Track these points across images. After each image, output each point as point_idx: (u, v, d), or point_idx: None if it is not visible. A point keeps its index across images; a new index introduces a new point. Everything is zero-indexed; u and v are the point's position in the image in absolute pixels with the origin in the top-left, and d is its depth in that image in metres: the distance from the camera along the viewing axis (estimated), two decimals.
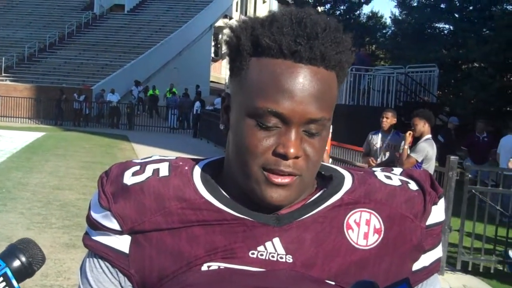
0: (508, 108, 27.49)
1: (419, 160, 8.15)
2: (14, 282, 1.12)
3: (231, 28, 1.18)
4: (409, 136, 8.43)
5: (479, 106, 25.39)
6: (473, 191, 8.39)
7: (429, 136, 8.38)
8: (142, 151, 20.06)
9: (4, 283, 1.11)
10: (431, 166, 8.20)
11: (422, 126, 8.32)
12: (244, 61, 1.14)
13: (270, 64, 1.11)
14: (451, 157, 8.11)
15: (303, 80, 1.09)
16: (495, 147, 14.90)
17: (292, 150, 1.09)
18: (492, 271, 8.27)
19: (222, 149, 21.49)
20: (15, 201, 10.76)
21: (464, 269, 8.26)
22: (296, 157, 1.11)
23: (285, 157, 1.10)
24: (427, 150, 8.19)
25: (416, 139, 8.46)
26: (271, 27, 1.11)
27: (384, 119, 8.99)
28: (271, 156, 1.11)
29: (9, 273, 1.12)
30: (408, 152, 8.40)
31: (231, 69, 1.19)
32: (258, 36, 1.12)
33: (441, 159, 9.60)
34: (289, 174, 1.11)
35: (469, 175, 8.38)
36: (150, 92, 36.18)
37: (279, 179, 1.12)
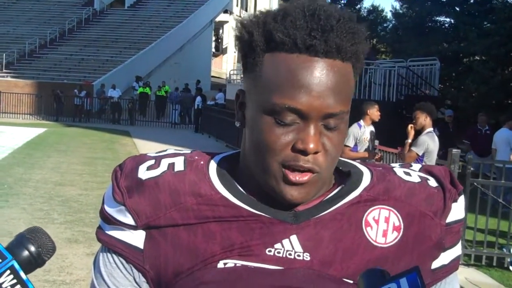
0: (509, 101, 27.49)
1: (420, 154, 8.14)
2: (22, 274, 1.09)
3: (242, 23, 1.16)
4: (410, 129, 8.43)
5: (480, 99, 25.39)
6: (475, 184, 8.37)
7: (431, 129, 8.37)
8: (144, 147, 20.06)
9: (11, 276, 1.08)
10: (432, 160, 8.19)
11: (424, 119, 8.31)
12: (257, 57, 1.12)
13: (285, 59, 1.09)
14: (453, 150, 8.10)
15: (319, 74, 1.07)
16: None
17: (311, 146, 1.08)
18: (494, 263, 8.28)
19: (223, 144, 21.52)
20: (17, 197, 10.77)
21: (467, 262, 8.26)
22: (316, 152, 1.09)
23: (304, 152, 1.08)
24: (428, 143, 8.18)
25: (417, 132, 8.44)
26: (284, 21, 1.09)
27: (378, 112, 9.17)
28: (290, 152, 1.09)
29: (17, 266, 1.09)
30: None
31: (244, 65, 1.17)
32: (271, 31, 1.10)
33: (441, 151, 9.59)
34: (309, 170, 1.10)
35: (471, 168, 8.37)
36: (140, 89, 35.29)
37: (297, 177, 1.10)
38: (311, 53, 1.08)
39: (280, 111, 1.08)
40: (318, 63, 1.08)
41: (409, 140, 8.38)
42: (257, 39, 1.11)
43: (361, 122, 9.14)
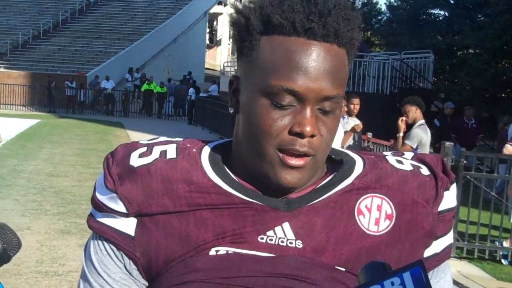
0: (503, 94, 27.53)
1: (414, 147, 8.15)
2: None
3: (237, 9, 1.17)
4: (401, 123, 8.45)
5: (474, 92, 25.43)
6: (468, 177, 8.39)
7: (422, 121, 8.39)
8: (137, 138, 19.70)
9: None
10: (425, 152, 8.20)
11: (415, 111, 8.35)
12: (254, 40, 1.13)
13: (283, 41, 1.10)
14: (446, 143, 8.12)
15: (317, 57, 1.09)
16: (482, 133, 15.05)
17: (308, 128, 1.08)
18: (486, 256, 8.31)
19: (217, 135, 21.50)
20: (10, 188, 10.75)
21: (459, 255, 8.29)
22: (312, 136, 1.10)
23: (301, 135, 1.09)
24: (421, 135, 8.20)
25: (409, 126, 8.45)
26: (282, 5, 1.10)
27: (357, 105, 9.26)
28: (287, 136, 1.10)
29: None
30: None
31: (239, 51, 1.17)
32: (268, 14, 1.10)
33: (437, 143, 9.63)
34: (305, 154, 1.10)
35: (464, 161, 8.39)
36: (145, 86, 34.15)
37: (294, 161, 1.10)
38: (310, 37, 1.09)
39: (277, 93, 1.09)
40: (316, 46, 1.09)
41: (401, 134, 8.40)
42: (254, 22, 1.12)
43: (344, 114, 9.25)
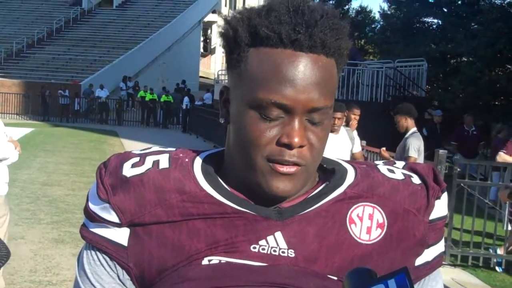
0: (496, 102, 27.57)
1: (416, 156, 8.07)
2: None
3: (225, 20, 1.16)
4: (384, 153, 8.48)
5: (467, 100, 25.46)
6: (462, 184, 8.41)
7: (415, 129, 8.30)
8: (131, 147, 19.98)
9: None
10: (421, 160, 8.18)
11: (404, 121, 8.28)
12: (242, 52, 1.13)
13: (269, 54, 1.10)
14: (440, 150, 8.12)
15: (304, 68, 1.08)
16: (483, 140, 15.03)
17: (296, 140, 1.08)
18: (480, 264, 8.31)
19: (211, 144, 21.48)
20: None
21: (453, 263, 8.29)
22: (301, 146, 1.10)
23: (289, 146, 1.09)
24: (418, 143, 8.15)
25: (402, 135, 8.41)
26: (269, 17, 1.10)
27: (356, 116, 9.17)
28: (275, 147, 1.10)
29: None
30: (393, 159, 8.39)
31: (228, 62, 1.17)
32: (256, 26, 1.10)
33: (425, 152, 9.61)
34: (294, 163, 1.10)
35: (458, 169, 8.40)
36: (148, 95, 33.74)
37: (284, 168, 1.10)
38: (296, 48, 1.09)
39: (266, 106, 1.09)
40: (303, 57, 1.09)
41: (391, 159, 8.35)
42: (242, 34, 1.12)
43: None
